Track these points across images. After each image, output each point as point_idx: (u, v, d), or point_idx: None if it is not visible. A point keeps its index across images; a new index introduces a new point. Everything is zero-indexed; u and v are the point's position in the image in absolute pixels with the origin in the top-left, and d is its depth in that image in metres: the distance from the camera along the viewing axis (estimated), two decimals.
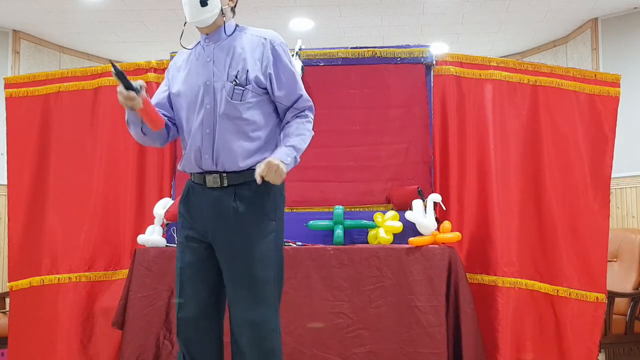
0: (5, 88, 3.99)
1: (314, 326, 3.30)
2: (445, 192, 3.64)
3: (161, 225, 3.59)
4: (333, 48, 3.86)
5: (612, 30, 5.64)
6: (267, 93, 2.49)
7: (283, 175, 2.36)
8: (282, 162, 2.35)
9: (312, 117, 2.56)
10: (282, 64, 2.50)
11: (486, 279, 3.56)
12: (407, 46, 3.82)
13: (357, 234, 3.63)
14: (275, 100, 2.51)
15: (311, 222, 3.58)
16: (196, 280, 2.49)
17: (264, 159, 2.37)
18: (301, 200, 3.75)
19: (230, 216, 2.43)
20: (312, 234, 3.59)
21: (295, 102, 2.51)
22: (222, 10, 2.50)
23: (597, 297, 3.53)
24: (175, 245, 3.49)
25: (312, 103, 2.57)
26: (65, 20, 5.73)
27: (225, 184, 2.44)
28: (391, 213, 3.57)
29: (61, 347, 3.66)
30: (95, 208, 3.79)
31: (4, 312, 4.53)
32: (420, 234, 3.41)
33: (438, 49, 5.99)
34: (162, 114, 2.55)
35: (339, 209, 3.57)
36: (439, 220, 3.48)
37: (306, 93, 2.55)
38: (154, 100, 2.54)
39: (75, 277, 3.74)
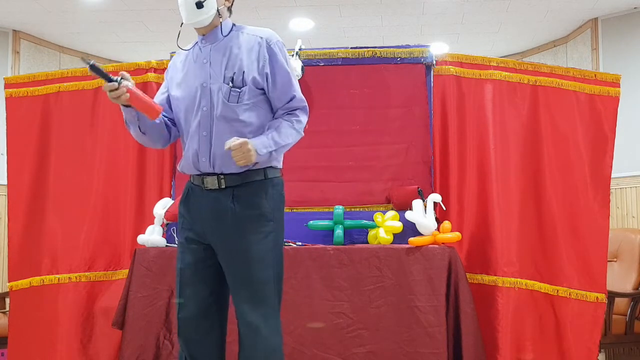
0: (5, 88, 3.99)
1: (314, 326, 3.30)
2: (445, 192, 3.64)
3: (161, 225, 3.59)
4: (333, 48, 3.86)
5: (612, 30, 5.64)
6: (265, 93, 2.49)
7: (248, 163, 2.35)
8: (257, 152, 2.35)
9: (304, 117, 2.54)
10: (278, 63, 2.48)
11: (486, 279, 3.56)
12: (407, 46, 3.82)
13: (357, 234, 3.63)
14: (270, 99, 2.50)
15: (311, 222, 3.58)
16: (196, 281, 2.49)
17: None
18: (301, 200, 3.75)
19: (229, 217, 2.43)
20: (312, 234, 3.59)
21: (289, 102, 2.50)
22: (218, 11, 2.48)
23: (597, 297, 3.53)
24: (175, 245, 3.50)
25: (305, 104, 2.55)
26: (65, 20, 5.73)
27: (224, 186, 2.44)
28: (391, 213, 3.57)
29: (61, 347, 3.66)
30: (95, 208, 3.79)
31: (4, 312, 4.53)
32: (420, 234, 3.41)
33: (438, 49, 5.99)
34: (164, 115, 2.55)
35: (339, 209, 3.57)
36: (439, 220, 3.48)
37: (301, 94, 2.53)
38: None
39: (75, 277, 3.74)
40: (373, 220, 3.55)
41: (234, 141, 2.33)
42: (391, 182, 3.74)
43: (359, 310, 3.29)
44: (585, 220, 3.59)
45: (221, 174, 2.44)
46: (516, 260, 3.57)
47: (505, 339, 3.45)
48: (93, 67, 2.30)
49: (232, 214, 2.43)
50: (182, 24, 2.52)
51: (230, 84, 2.43)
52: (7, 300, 4.38)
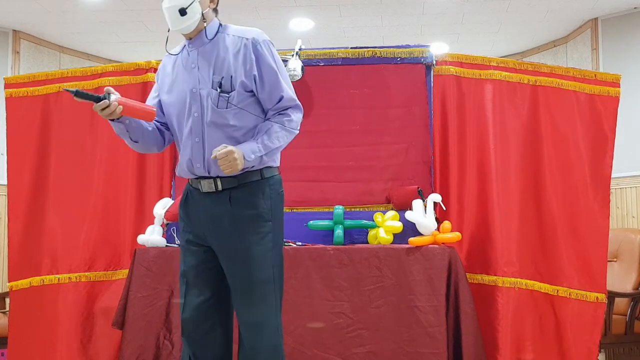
0: (5, 88, 3.98)
1: (314, 326, 3.30)
2: (445, 192, 3.64)
3: (161, 225, 3.59)
4: (333, 48, 3.86)
5: (612, 30, 5.64)
6: (255, 95, 2.46)
7: (234, 172, 2.35)
8: (246, 158, 2.34)
9: (296, 115, 2.51)
10: (265, 63, 2.45)
11: (486, 279, 3.56)
12: (407, 46, 3.82)
13: (357, 234, 3.63)
14: (260, 100, 2.47)
15: (311, 222, 3.58)
16: (198, 283, 2.50)
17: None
18: (301, 200, 3.75)
19: (227, 219, 2.43)
20: (312, 234, 3.60)
21: (278, 102, 2.47)
22: (203, 14, 2.46)
23: (597, 297, 3.53)
24: (175, 245, 3.51)
25: (296, 102, 2.51)
26: (65, 20, 5.73)
27: (220, 189, 2.44)
28: (391, 213, 3.57)
29: (61, 347, 3.66)
30: (95, 208, 3.79)
31: (4, 312, 4.53)
32: (420, 234, 3.42)
33: (438, 49, 5.99)
34: (156, 120, 2.55)
35: (339, 209, 3.57)
36: (439, 220, 3.48)
37: (290, 92, 2.49)
38: None
39: (75, 277, 3.74)
40: (373, 220, 3.56)
41: (220, 150, 2.32)
42: (391, 182, 3.74)
43: (359, 310, 3.29)
44: (585, 220, 3.59)
45: (217, 177, 2.43)
46: (516, 260, 3.57)
47: (505, 339, 3.45)
48: (78, 94, 2.30)
49: (230, 215, 2.43)
50: (169, 29, 2.50)
51: (219, 89, 2.41)
52: (7, 300, 4.38)
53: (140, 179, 3.83)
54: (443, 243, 3.39)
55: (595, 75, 3.77)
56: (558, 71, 3.76)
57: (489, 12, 5.65)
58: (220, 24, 2.54)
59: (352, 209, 3.71)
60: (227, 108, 2.41)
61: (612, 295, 3.88)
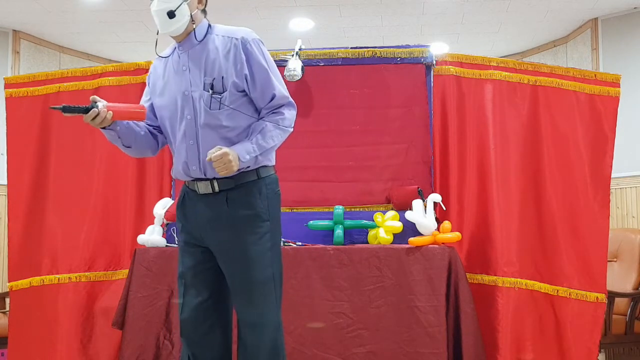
0: (5, 88, 3.98)
1: (314, 326, 3.30)
2: (445, 192, 3.64)
3: (161, 225, 3.59)
4: (333, 48, 3.86)
5: (612, 30, 5.64)
6: (247, 94, 2.46)
7: (230, 173, 2.35)
8: (240, 159, 2.34)
9: (289, 113, 2.49)
10: (255, 62, 2.44)
11: (486, 279, 3.56)
12: (407, 46, 3.82)
13: (357, 234, 3.63)
14: (253, 99, 2.47)
15: (311, 222, 3.58)
16: (196, 283, 2.50)
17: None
18: (301, 200, 3.75)
19: (224, 220, 2.43)
20: (312, 234, 3.60)
21: (271, 101, 2.46)
22: (191, 16, 2.46)
23: (597, 297, 3.53)
24: (175, 245, 3.51)
25: (289, 99, 2.50)
26: (65, 20, 5.73)
27: (217, 190, 2.44)
28: (391, 213, 3.57)
29: (61, 347, 3.66)
30: (95, 208, 3.79)
31: (4, 312, 4.53)
32: (420, 234, 3.41)
33: (438, 49, 5.99)
34: (148, 124, 2.56)
35: (339, 209, 3.57)
36: (439, 220, 3.48)
37: (282, 90, 2.48)
38: None
39: (75, 277, 3.74)
40: (373, 220, 3.56)
41: (215, 152, 2.32)
42: (391, 182, 3.74)
43: (359, 310, 3.29)
44: (585, 220, 3.59)
45: (214, 178, 2.43)
46: (516, 260, 3.57)
47: (505, 339, 3.45)
48: (66, 109, 2.32)
49: (227, 216, 2.43)
50: (157, 32, 2.50)
51: (211, 91, 2.41)
52: (7, 300, 4.38)
53: (140, 179, 3.83)
54: (443, 243, 3.39)
55: (595, 75, 3.77)
56: (558, 71, 3.76)
57: (489, 12, 5.65)
58: (210, 25, 2.53)
59: (352, 209, 3.71)
60: (219, 109, 2.41)
61: (612, 295, 3.89)
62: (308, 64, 3.78)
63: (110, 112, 2.35)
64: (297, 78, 3.68)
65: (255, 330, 2.42)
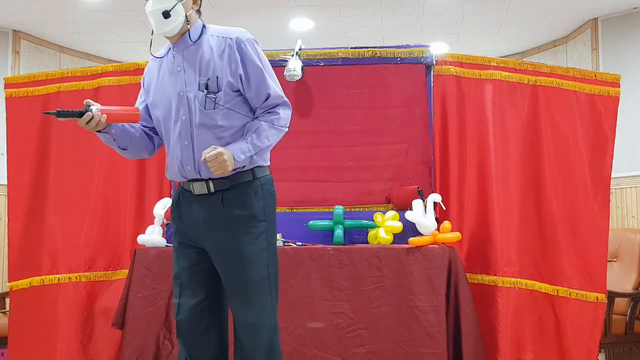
0: (5, 88, 3.98)
1: (314, 326, 3.30)
2: (445, 192, 3.64)
3: (161, 225, 3.59)
4: (333, 48, 3.86)
5: (612, 30, 5.64)
6: (242, 94, 2.46)
7: (225, 173, 2.35)
8: (235, 159, 2.34)
9: (284, 112, 2.49)
10: (250, 62, 2.44)
11: (486, 279, 3.56)
12: (407, 46, 3.82)
13: (357, 234, 3.63)
14: (248, 99, 2.47)
15: (311, 222, 3.58)
16: (191, 284, 2.50)
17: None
18: (301, 200, 3.75)
19: (220, 221, 2.43)
20: (312, 234, 3.60)
21: (265, 100, 2.46)
22: (186, 16, 2.46)
23: (597, 297, 3.53)
24: None
25: (284, 99, 2.50)
26: (65, 20, 5.73)
27: (213, 190, 2.43)
28: (391, 213, 3.57)
29: (61, 347, 3.67)
30: (95, 208, 3.80)
31: (4, 312, 4.53)
32: (420, 234, 3.41)
33: (438, 49, 5.98)
34: (143, 126, 2.56)
35: (339, 209, 3.57)
36: (439, 220, 3.48)
37: (277, 89, 2.48)
38: None
39: (75, 277, 3.74)
40: (373, 220, 3.56)
41: (209, 152, 2.32)
42: (391, 182, 3.74)
43: (359, 310, 3.29)
44: (585, 220, 3.59)
45: (209, 179, 2.43)
46: (516, 260, 3.57)
47: (505, 339, 3.45)
48: (60, 114, 2.32)
49: (223, 217, 2.42)
50: (152, 32, 2.50)
51: (206, 91, 2.40)
52: (7, 300, 4.38)
53: (140, 179, 3.83)
54: (443, 243, 3.39)
55: (595, 75, 3.77)
56: (558, 71, 3.76)
57: (489, 12, 5.65)
58: (204, 26, 2.53)
59: (352, 209, 3.71)
60: (214, 109, 2.41)
61: (612, 295, 3.89)
62: (308, 64, 3.78)
63: (105, 115, 2.36)
64: (297, 78, 3.68)
65: (251, 331, 2.42)
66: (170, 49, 2.54)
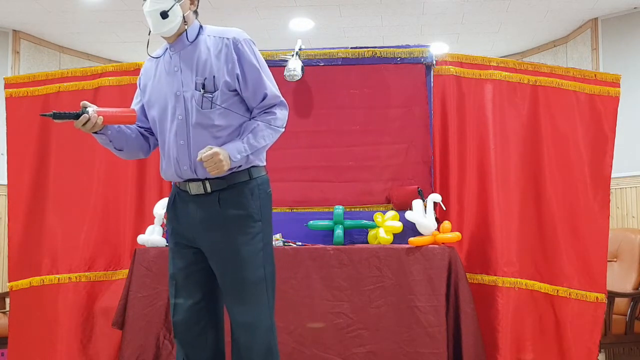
0: (5, 88, 3.98)
1: (313, 326, 3.30)
2: (445, 192, 3.64)
3: (161, 225, 3.59)
4: (333, 48, 3.86)
5: (612, 30, 5.64)
6: (239, 94, 2.46)
7: (220, 173, 2.35)
8: (231, 158, 2.34)
9: (281, 113, 2.49)
10: (247, 62, 2.44)
11: (486, 279, 3.56)
12: (407, 46, 3.82)
13: (357, 234, 3.63)
14: (244, 99, 2.47)
15: (311, 222, 3.58)
16: (187, 285, 2.50)
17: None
18: (301, 200, 3.75)
19: (216, 221, 2.43)
20: (312, 234, 3.60)
21: (262, 100, 2.46)
22: (184, 17, 2.47)
23: (597, 297, 3.53)
24: None
25: (281, 99, 2.50)
26: (65, 20, 5.73)
27: (209, 190, 2.43)
28: (391, 213, 3.57)
29: (61, 347, 3.67)
30: (95, 208, 3.80)
31: (4, 312, 4.53)
32: (420, 234, 3.42)
33: (438, 49, 5.98)
34: (139, 126, 2.57)
35: (339, 209, 3.57)
36: (439, 220, 3.48)
37: (274, 89, 2.48)
38: None
39: (75, 277, 3.74)
40: (373, 220, 3.56)
41: (205, 151, 2.32)
42: (391, 182, 3.75)
43: (359, 310, 3.29)
44: (585, 220, 3.59)
45: (206, 179, 2.43)
46: (516, 260, 3.57)
47: (505, 339, 3.45)
48: (56, 116, 2.33)
49: (219, 217, 2.42)
50: (149, 32, 2.51)
51: (202, 90, 2.41)
52: (7, 300, 4.38)
53: (140, 179, 3.83)
54: (443, 243, 3.39)
55: (595, 75, 3.77)
56: (558, 71, 3.76)
57: (489, 12, 5.65)
58: (201, 26, 2.54)
59: (352, 209, 3.71)
60: (211, 108, 2.41)
61: (612, 295, 3.89)
62: (308, 64, 3.78)
63: (101, 117, 2.37)
64: (297, 78, 3.68)
65: (248, 331, 2.42)
66: (167, 49, 2.55)
